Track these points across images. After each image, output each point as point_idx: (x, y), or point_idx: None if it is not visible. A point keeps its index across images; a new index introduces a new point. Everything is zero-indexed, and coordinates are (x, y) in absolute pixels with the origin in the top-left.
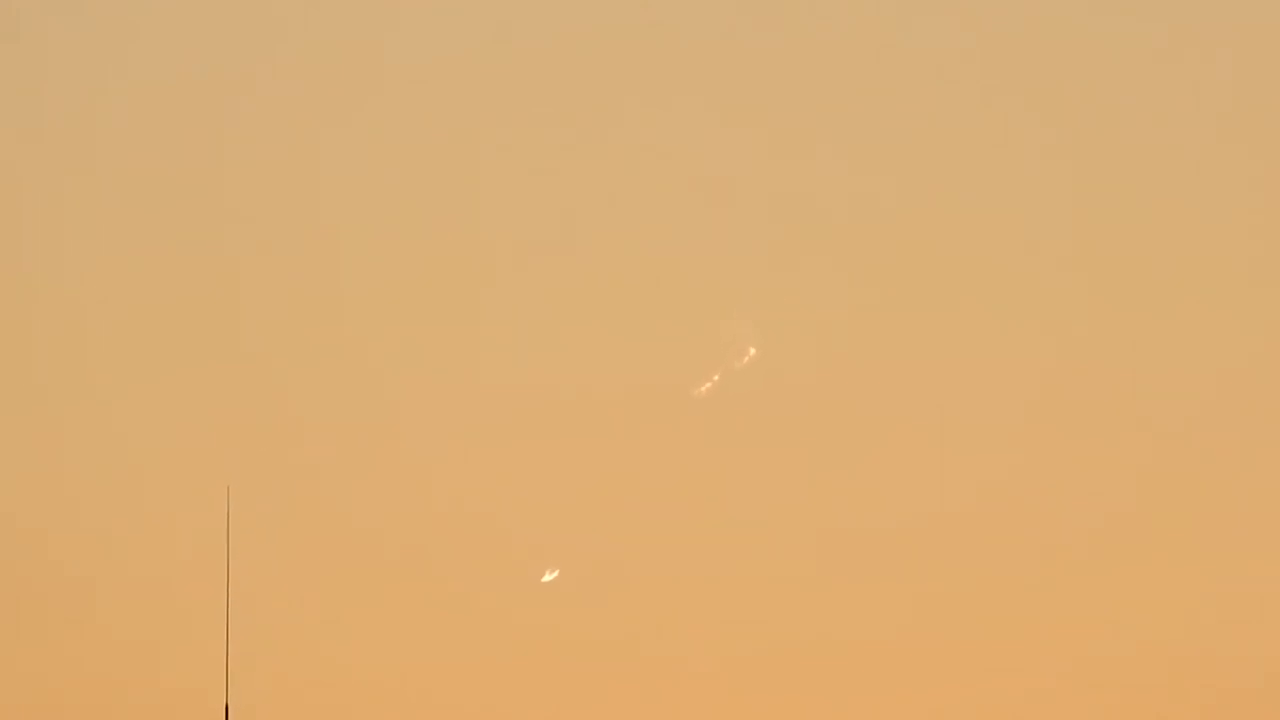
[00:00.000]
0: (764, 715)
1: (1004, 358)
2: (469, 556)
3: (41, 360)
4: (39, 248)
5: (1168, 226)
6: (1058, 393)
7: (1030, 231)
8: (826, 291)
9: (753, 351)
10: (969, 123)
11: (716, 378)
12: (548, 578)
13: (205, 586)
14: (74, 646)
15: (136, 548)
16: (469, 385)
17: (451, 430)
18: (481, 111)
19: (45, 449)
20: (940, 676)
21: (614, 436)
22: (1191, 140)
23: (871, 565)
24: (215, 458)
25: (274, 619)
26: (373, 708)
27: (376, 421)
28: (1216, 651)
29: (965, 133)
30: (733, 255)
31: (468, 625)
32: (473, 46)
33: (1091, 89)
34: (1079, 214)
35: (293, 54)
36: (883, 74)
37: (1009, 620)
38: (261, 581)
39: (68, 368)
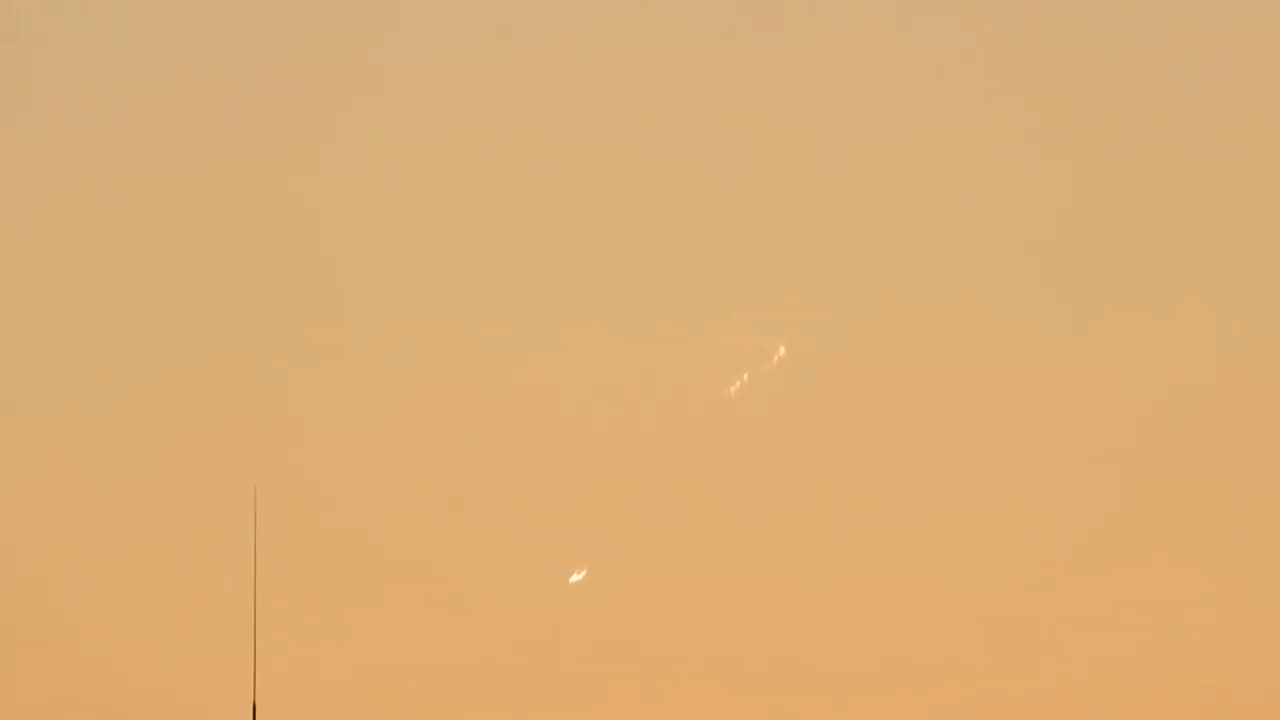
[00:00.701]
0: (782, 717)
1: (1018, 360)
2: (498, 559)
3: (70, 364)
4: (62, 251)
5: (1181, 230)
6: (1074, 396)
7: (1044, 234)
8: (837, 294)
9: (782, 351)
10: (981, 124)
11: (746, 377)
12: (575, 578)
13: (233, 586)
14: (102, 645)
15: (165, 547)
16: (493, 387)
17: (475, 432)
18: (498, 114)
19: (73, 450)
20: (956, 680)
21: (637, 441)
22: (1199, 143)
23: (885, 569)
24: (243, 457)
25: (302, 618)
26: (400, 708)
27: (407, 424)
28: (1227, 656)
29: (979, 134)
30: (743, 257)
31: (497, 627)
32: (473, 47)
33: (1102, 90)
34: (1092, 216)
35: (291, 54)
36: (896, 76)
37: (1024, 624)
38: (289, 581)
39: (97, 372)
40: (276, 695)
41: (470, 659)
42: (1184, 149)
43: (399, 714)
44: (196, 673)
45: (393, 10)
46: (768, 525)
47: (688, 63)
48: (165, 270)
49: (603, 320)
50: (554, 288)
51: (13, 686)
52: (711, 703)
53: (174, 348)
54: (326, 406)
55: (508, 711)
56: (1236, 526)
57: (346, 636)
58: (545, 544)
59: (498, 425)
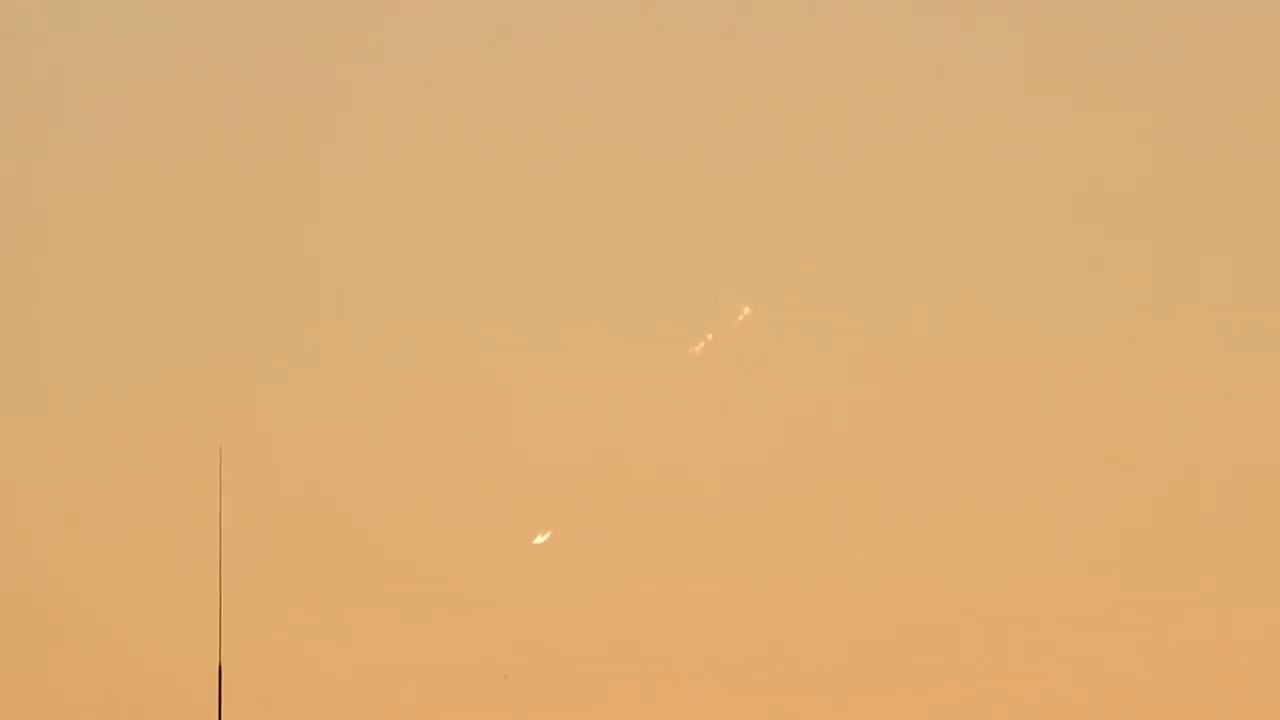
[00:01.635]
0: (771, 717)
1: (1019, 357)
2: (464, 527)
3: (40, 342)
4: (36, 232)
5: (1191, 229)
6: (1079, 391)
7: (1052, 228)
8: (835, 288)
9: (746, 311)
10: (980, 116)
11: (710, 337)
12: (539, 540)
13: (197, 547)
14: (67, 608)
15: (128, 508)
16: (462, 368)
17: (450, 411)
18: (475, 103)
19: (37, 413)
20: (957, 681)
21: (619, 433)
22: (1220, 143)
23: (885, 568)
24: (208, 419)
25: (267, 580)
26: (367, 669)
27: (372, 391)
28: (1231, 656)
29: (980, 127)
30: (741, 253)
31: (462, 592)
32: (468, 44)
33: (1099, 88)
34: (1099, 211)
35: (285, 54)
36: (895, 65)
37: (1028, 625)
38: (254, 542)
39: (67, 340)
40: (242, 656)
41: (436, 624)
42: (1213, 151)
43: (363, 673)
44: (162, 635)
45: (390, 10)
46: (765, 524)
47: (674, 50)
48: (153, 251)
49: (589, 313)
50: (540, 280)
51: None
52: (687, 693)
53: (146, 318)
54: (291, 369)
55: (471, 678)
56: (1242, 527)
57: (312, 599)
58: (514, 523)
59: (475, 407)
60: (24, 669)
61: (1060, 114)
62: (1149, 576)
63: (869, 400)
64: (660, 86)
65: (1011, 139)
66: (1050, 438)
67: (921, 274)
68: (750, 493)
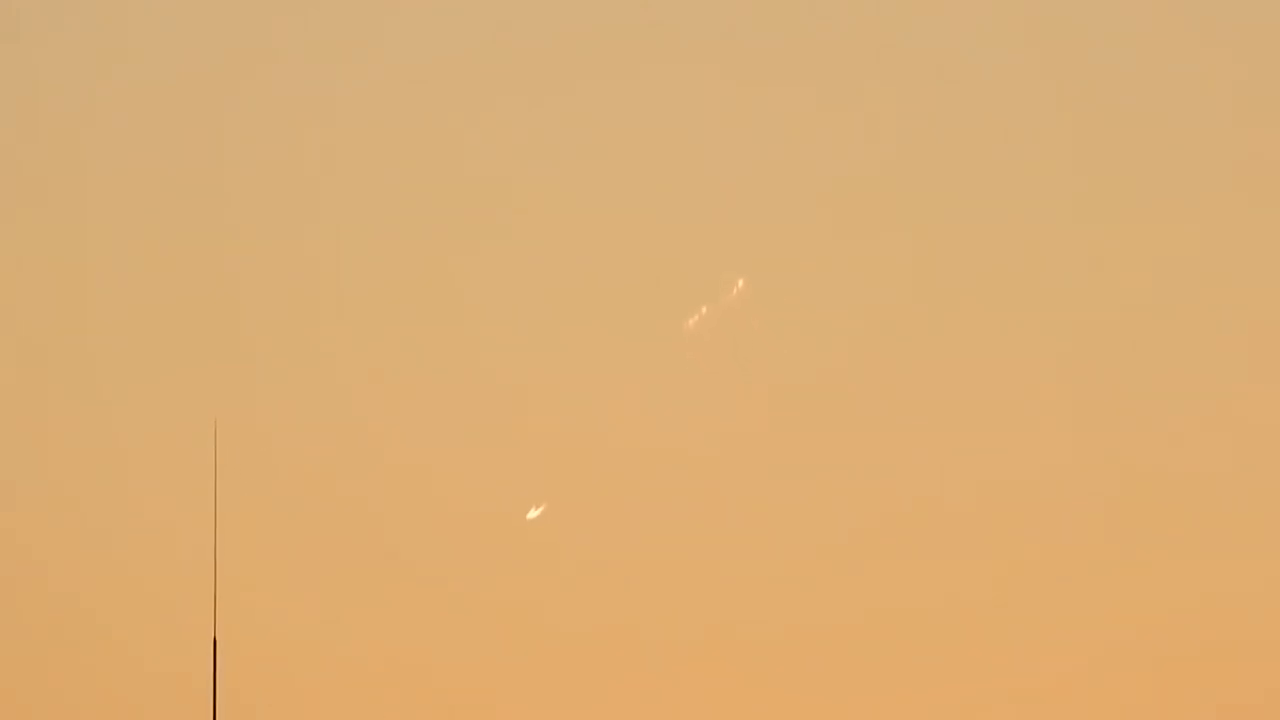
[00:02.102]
0: (765, 713)
1: (1023, 341)
2: (454, 501)
3: (36, 332)
4: (34, 228)
5: (1191, 228)
6: (1078, 380)
7: (1049, 213)
8: (841, 273)
9: (740, 283)
10: (979, 107)
11: (704, 310)
12: (532, 514)
13: (192, 520)
14: (63, 581)
15: (124, 482)
16: (457, 354)
17: (437, 389)
18: (468, 82)
19: (28, 386)
20: (951, 675)
21: (606, 404)
22: (1220, 142)
23: (882, 556)
24: (204, 393)
25: (263, 553)
26: (364, 642)
27: (363, 363)
28: (1230, 652)
29: (980, 117)
30: (744, 235)
31: (458, 568)
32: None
33: (1114, 85)
34: (1094, 201)
35: (284, 48)
36: (894, 50)
37: (1024, 618)
38: (250, 516)
39: (61, 338)
40: (237, 630)
41: (431, 599)
42: (1189, 149)
43: (363, 647)
44: (156, 608)
45: (387, 9)
46: (759, 508)
47: (671, 40)
48: (148, 243)
49: (583, 291)
50: (534, 259)
51: None
52: (683, 674)
53: (141, 301)
54: (288, 343)
55: (462, 647)
56: (1241, 526)
57: (308, 573)
58: (507, 500)
59: (469, 385)
60: (14, 648)
61: (1060, 108)
62: (1147, 574)
63: (865, 383)
64: (652, 68)
65: (1010, 125)
66: (1048, 423)
67: (919, 259)
68: (745, 473)
